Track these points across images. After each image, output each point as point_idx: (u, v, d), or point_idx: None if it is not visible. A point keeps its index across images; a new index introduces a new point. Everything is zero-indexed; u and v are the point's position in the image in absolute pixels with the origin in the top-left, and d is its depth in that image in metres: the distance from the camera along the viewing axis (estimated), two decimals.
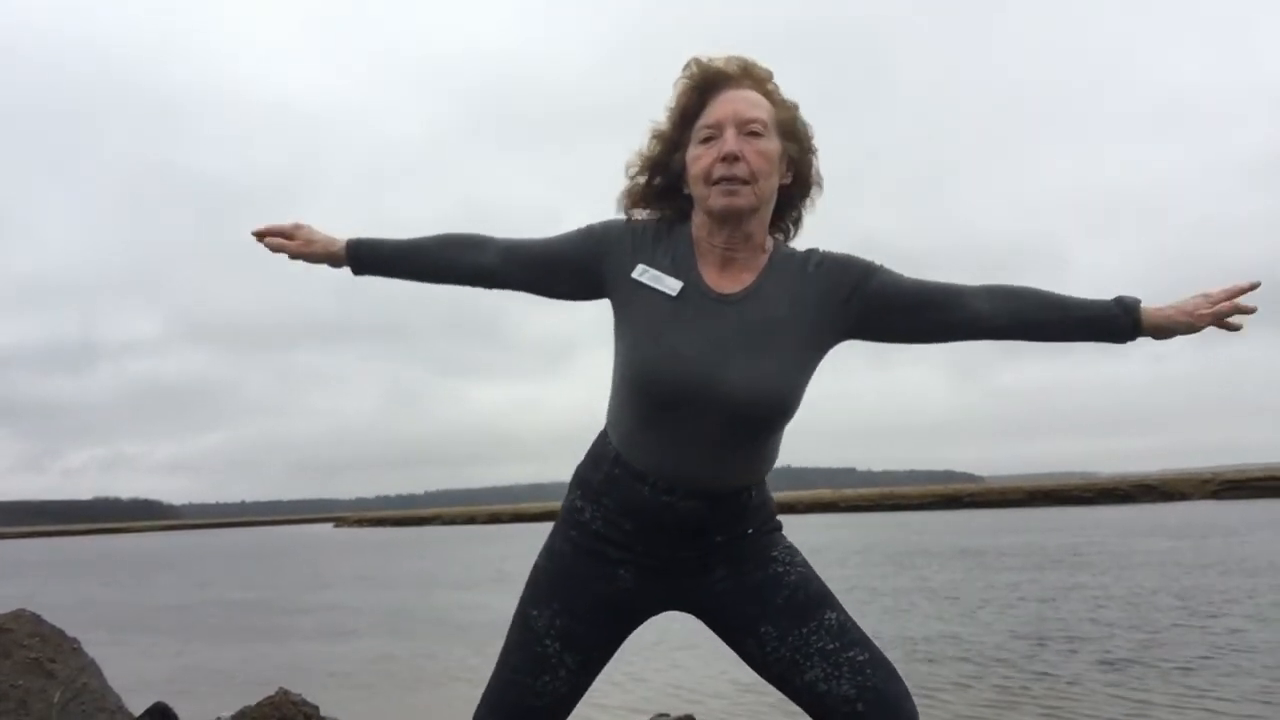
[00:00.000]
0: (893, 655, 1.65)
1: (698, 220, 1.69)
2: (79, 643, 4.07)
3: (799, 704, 1.63)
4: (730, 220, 1.63)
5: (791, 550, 1.70)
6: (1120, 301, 1.61)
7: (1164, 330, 1.59)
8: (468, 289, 1.80)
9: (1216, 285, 1.59)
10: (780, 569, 1.67)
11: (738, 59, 1.66)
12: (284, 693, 4.33)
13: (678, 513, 1.61)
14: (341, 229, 1.85)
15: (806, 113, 1.70)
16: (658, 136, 1.70)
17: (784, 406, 1.61)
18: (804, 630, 1.62)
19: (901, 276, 1.67)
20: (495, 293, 1.80)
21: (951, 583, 12.86)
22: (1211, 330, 1.60)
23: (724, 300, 1.63)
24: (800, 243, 1.76)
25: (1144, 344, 1.66)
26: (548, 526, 1.81)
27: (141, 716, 4.33)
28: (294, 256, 1.80)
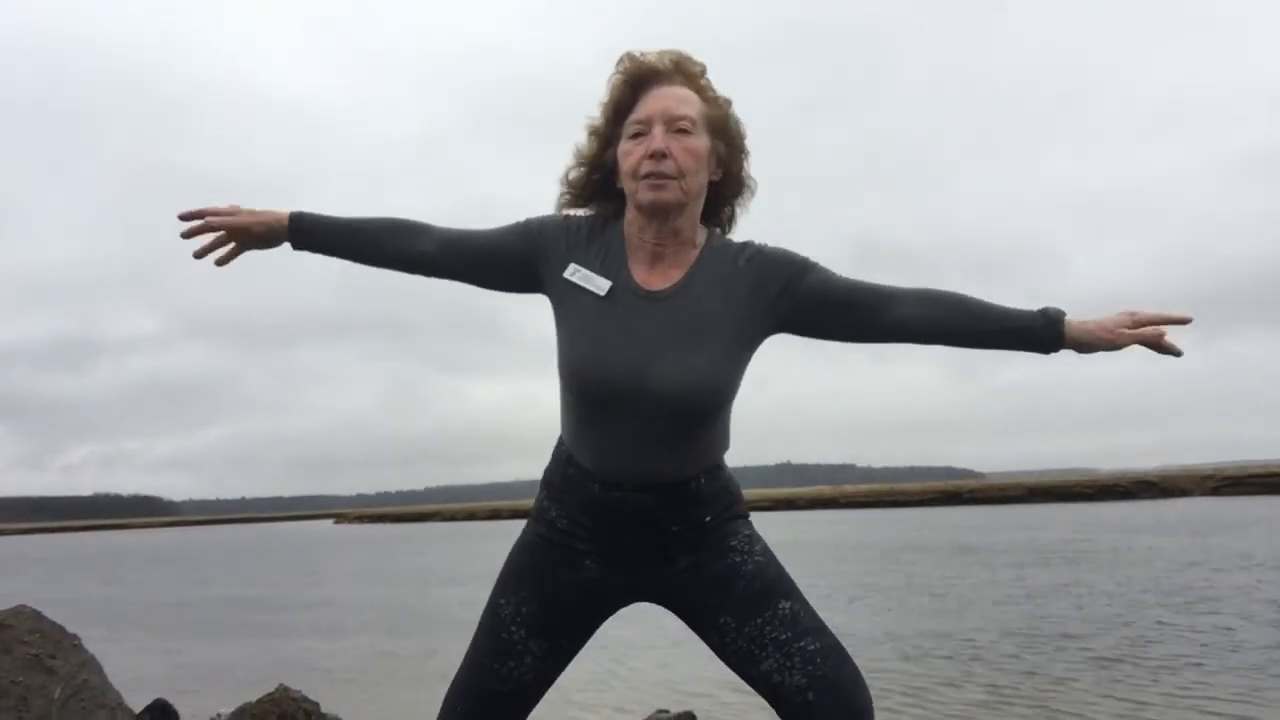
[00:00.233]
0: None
1: (630, 216, 1.70)
2: (79, 639, 4.06)
3: (759, 693, 1.65)
4: (658, 215, 1.64)
5: (751, 539, 1.72)
6: (1045, 314, 1.62)
7: (1086, 345, 1.62)
8: (445, 282, 1.79)
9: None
10: (738, 559, 1.68)
11: (671, 54, 1.67)
12: (284, 689, 4.33)
13: (629, 506, 1.64)
14: None
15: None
16: (593, 132, 1.71)
17: (715, 401, 1.63)
18: (759, 621, 1.64)
19: (836, 276, 1.69)
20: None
21: (946, 580, 12.86)
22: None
23: (652, 298, 1.65)
24: (756, 237, 1.75)
25: None
26: None
27: (142, 713, 4.33)
28: (236, 236, 1.73)
